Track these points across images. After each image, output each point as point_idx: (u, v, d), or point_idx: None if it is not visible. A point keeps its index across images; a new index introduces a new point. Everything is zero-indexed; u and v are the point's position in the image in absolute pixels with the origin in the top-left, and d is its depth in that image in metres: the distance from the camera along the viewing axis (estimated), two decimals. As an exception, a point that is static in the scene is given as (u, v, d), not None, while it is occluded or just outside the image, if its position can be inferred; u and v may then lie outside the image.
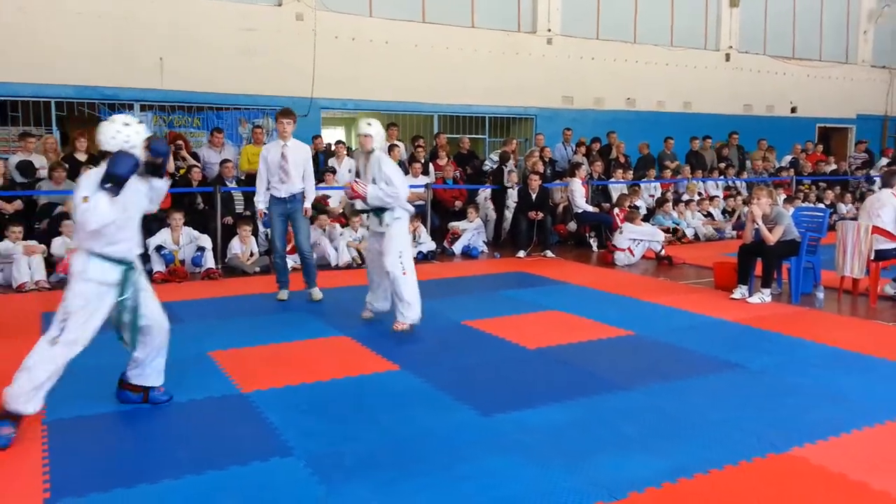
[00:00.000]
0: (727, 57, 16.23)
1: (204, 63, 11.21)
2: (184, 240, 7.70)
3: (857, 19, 18.30)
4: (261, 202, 6.48)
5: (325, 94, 12.24)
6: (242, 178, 9.53)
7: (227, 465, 3.15)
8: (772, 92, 16.76)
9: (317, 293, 6.58)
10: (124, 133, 3.49)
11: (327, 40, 12.09)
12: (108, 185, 3.36)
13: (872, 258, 6.61)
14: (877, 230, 6.61)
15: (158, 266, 7.41)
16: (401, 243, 5.43)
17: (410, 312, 5.40)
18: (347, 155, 10.53)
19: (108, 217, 3.38)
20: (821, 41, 17.74)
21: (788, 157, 14.46)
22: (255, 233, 8.36)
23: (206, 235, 7.82)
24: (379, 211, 5.48)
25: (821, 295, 6.76)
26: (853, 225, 6.80)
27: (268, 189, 6.42)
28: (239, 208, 8.82)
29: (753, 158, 14.10)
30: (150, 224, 7.92)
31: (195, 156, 9.53)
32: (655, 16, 15.31)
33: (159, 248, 7.47)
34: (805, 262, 6.72)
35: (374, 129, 5.46)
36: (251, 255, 8.03)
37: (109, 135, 3.50)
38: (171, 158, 8.91)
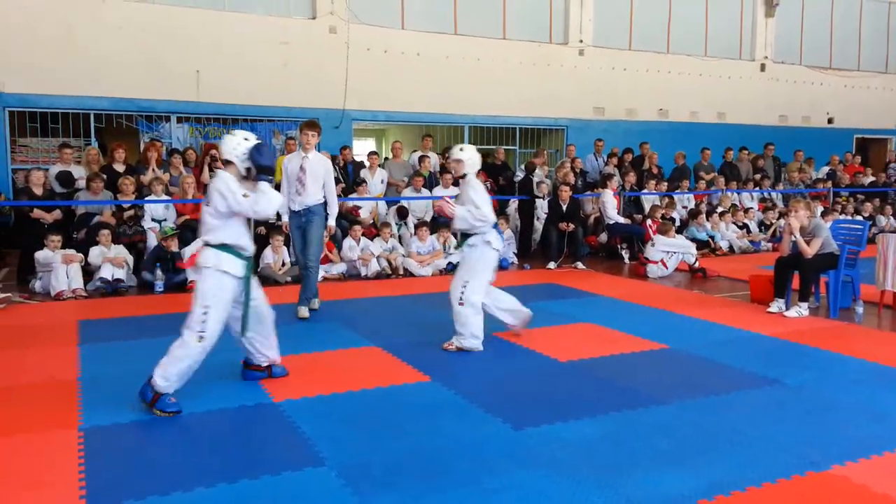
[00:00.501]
0: (762, 67, 16.02)
1: (239, 76, 11.41)
2: (218, 249, 7.78)
3: (896, 28, 17.95)
4: (284, 214, 6.40)
5: (357, 105, 12.37)
6: (276, 188, 9.63)
7: (259, 475, 3.16)
8: (808, 102, 16.50)
9: (303, 311, 6.29)
10: (243, 146, 4.11)
11: (360, 53, 12.23)
12: (266, 177, 4.10)
13: (915, 272, 6.44)
14: (919, 243, 6.44)
15: (193, 275, 7.48)
16: (470, 272, 5.28)
17: (463, 341, 5.26)
18: (379, 166, 10.59)
19: (279, 199, 4.31)
20: (859, 50, 17.43)
21: (826, 169, 14.18)
22: (287, 243, 8.44)
23: (239, 245, 7.89)
24: (465, 236, 5.42)
25: (860, 309, 6.58)
26: (895, 238, 6.63)
27: None
28: (272, 219, 8.89)
29: (790, 170, 13.85)
30: (185, 234, 8.07)
31: (229, 166, 9.65)
32: (689, 25, 15.20)
33: (194, 258, 7.56)
34: (844, 275, 6.57)
35: (466, 155, 5.40)
36: (283, 264, 8.10)
37: (231, 146, 4.13)
38: (206, 170, 9.15)
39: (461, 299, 5.22)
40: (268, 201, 4.11)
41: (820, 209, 10.82)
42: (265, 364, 4.45)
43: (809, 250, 6.37)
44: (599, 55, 14.32)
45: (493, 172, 11.58)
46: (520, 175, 11.67)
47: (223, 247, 4.04)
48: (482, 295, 5.30)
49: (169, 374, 3.86)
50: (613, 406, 4.08)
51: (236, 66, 11.40)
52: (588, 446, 3.52)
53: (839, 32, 17.09)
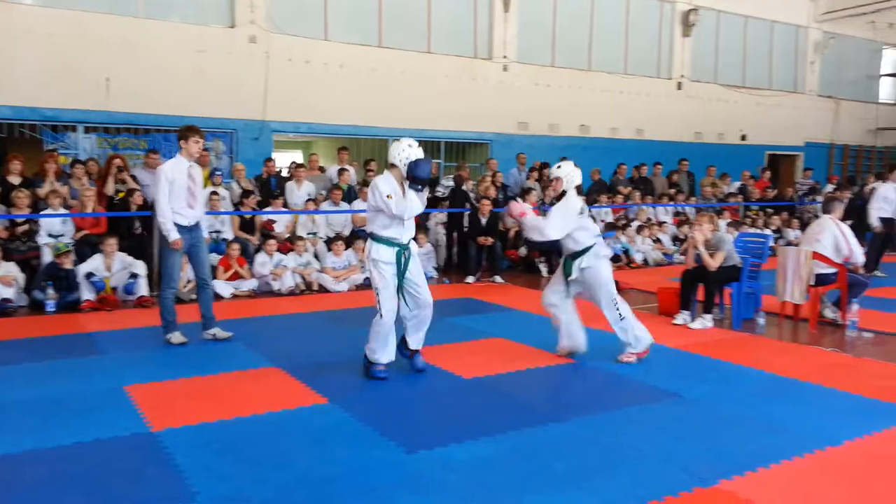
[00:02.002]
0: (679, 85, 16.52)
1: (152, 84, 10.97)
2: (116, 266, 7.41)
3: (805, 50, 18.84)
4: (173, 231, 5.61)
5: (278, 116, 12.07)
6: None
7: (123, 512, 2.93)
8: (722, 120, 17.08)
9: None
10: (407, 152, 4.77)
11: (281, 63, 11.96)
12: (419, 188, 4.82)
13: (812, 283, 6.65)
14: (816, 256, 6.66)
15: (88, 294, 7.11)
16: (606, 289, 5.29)
17: (638, 346, 5.33)
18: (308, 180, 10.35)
19: (419, 208, 4.85)
20: (770, 71, 18.20)
21: (737, 184, 14.69)
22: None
23: (140, 261, 7.55)
24: (573, 257, 5.32)
25: (762, 321, 6.77)
26: (794, 251, 6.85)
27: None
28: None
29: (703, 185, 14.29)
30: (83, 250, 7.66)
31: (134, 178, 9.24)
32: (609, 44, 15.52)
33: (89, 276, 7.17)
34: (746, 287, 6.74)
35: (564, 171, 5.32)
36: (188, 281, 7.77)
37: (396, 151, 4.80)
38: (111, 182, 8.71)
39: (621, 316, 5.26)
40: (408, 206, 4.74)
41: (725, 222, 11.14)
42: (412, 349, 5.09)
43: (713, 263, 6.51)
44: (523, 71, 14.45)
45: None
46: (440, 190, 11.61)
47: (375, 237, 4.82)
48: (623, 301, 5.39)
49: (373, 346, 4.84)
50: (511, 424, 4.01)
51: (150, 74, 10.96)
52: (481, 469, 3.43)
53: (752, 53, 17.80)
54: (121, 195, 8.65)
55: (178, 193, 5.63)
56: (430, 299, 4.98)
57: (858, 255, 6.72)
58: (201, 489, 3.14)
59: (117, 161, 8.96)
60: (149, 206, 8.53)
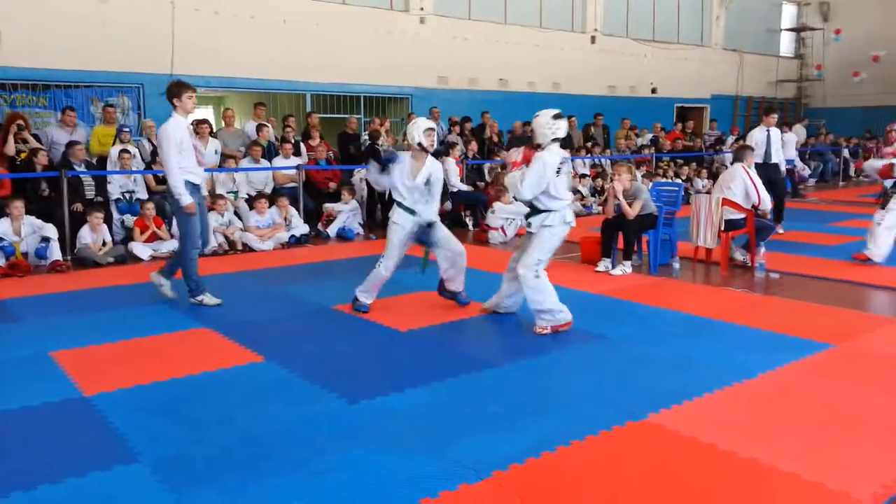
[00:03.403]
0: (592, 39, 16.79)
1: (51, 37, 10.26)
2: (26, 230, 7.01)
3: (711, 5, 19.46)
4: (185, 194, 5.40)
5: (187, 70, 11.51)
6: (94, 161, 8.83)
7: (62, 478, 2.85)
8: (634, 73, 17.54)
9: (211, 298, 5.76)
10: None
11: (187, 13, 11.40)
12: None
13: (723, 229, 7.03)
14: (726, 202, 7.02)
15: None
16: (542, 249, 4.96)
17: (553, 317, 4.92)
18: (211, 135, 9.96)
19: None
20: (678, 25, 18.73)
21: (649, 136, 15.19)
22: (107, 220, 7.77)
23: (50, 225, 7.16)
24: (533, 212, 5.03)
25: (677, 265, 7.13)
26: (706, 198, 7.20)
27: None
28: (89, 194, 8.16)
29: (617, 137, 14.70)
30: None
31: (36, 138, 8.69)
32: (525, -2, 15.57)
33: (-3, 241, 6.77)
34: (662, 234, 7.06)
35: (535, 123, 4.93)
36: (103, 244, 7.45)
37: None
38: (11, 141, 8.13)
39: (536, 275, 4.90)
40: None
41: (642, 173, 11.56)
42: (454, 290, 5.62)
43: (631, 212, 6.77)
44: (440, 24, 14.33)
45: (346, 142, 11.31)
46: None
47: (400, 205, 5.36)
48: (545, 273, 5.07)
49: (365, 289, 5.50)
50: (449, 372, 4.11)
51: (48, 27, 10.22)
52: (421, 415, 3.52)
53: (661, 7, 18.25)
54: (23, 155, 8.13)
55: (188, 152, 5.44)
56: (461, 248, 5.53)
57: (766, 201, 7.12)
58: (142, 451, 3.09)
59: (19, 121, 8.39)
60: (55, 167, 8.08)
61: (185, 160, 5.43)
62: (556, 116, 4.87)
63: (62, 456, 3.08)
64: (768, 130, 9.43)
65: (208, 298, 5.68)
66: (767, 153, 9.28)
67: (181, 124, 5.50)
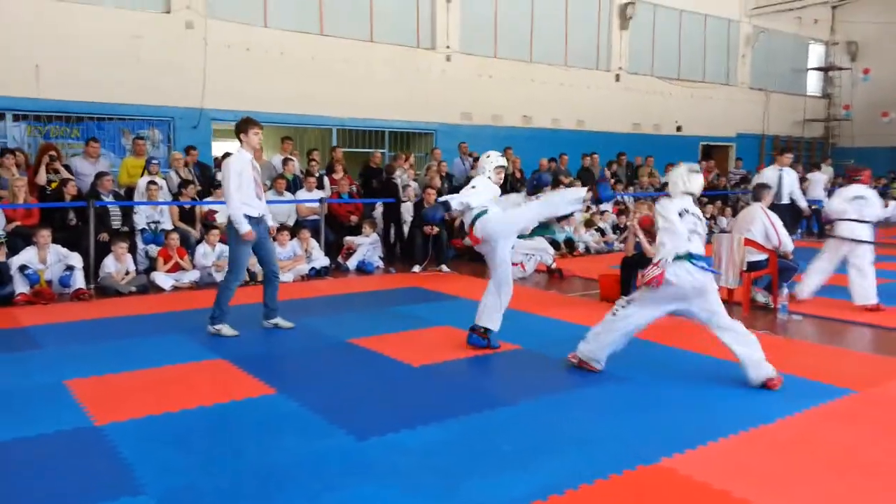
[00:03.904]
0: (617, 77, 16.88)
1: (85, 71, 10.59)
2: (51, 258, 7.16)
3: (737, 44, 19.51)
4: (244, 222, 5.62)
5: (217, 105, 11.83)
6: (122, 192, 9.03)
7: (68, 508, 2.88)
8: (659, 111, 17.56)
9: (285, 322, 6.06)
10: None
11: (219, 50, 11.71)
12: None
13: (745, 269, 6.94)
14: (748, 242, 6.94)
15: (22, 287, 6.85)
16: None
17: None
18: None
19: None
20: (704, 64, 18.77)
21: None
22: (132, 250, 7.91)
23: (75, 254, 7.30)
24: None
25: (698, 306, 7.02)
26: (727, 237, 7.12)
27: None
28: (116, 224, 8.33)
29: (640, 175, 14.68)
30: (15, 242, 7.37)
31: (68, 168, 8.93)
32: (550, 37, 15.75)
33: (23, 268, 6.90)
34: (684, 274, 6.97)
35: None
36: (126, 273, 7.57)
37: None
38: (43, 171, 8.36)
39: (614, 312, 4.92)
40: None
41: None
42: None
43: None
44: (466, 61, 14.53)
45: (370, 175, 11.46)
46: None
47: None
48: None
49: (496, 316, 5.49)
50: (461, 410, 4.08)
51: (82, 61, 10.57)
52: (431, 452, 3.49)
53: (686, 46, 18.34)
54: (53, 185, 8.35)
55: (247, 185, 5.67)
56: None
57: (788, 243, 7.04)
58: (149, 481, 3.10)
59: (51, 151, 8.63)
60: (83, 197, 8.28)
61: (244, 193, 5.65)
62: (692, 171, 4.75)
63: (68, 485, 3.10)
64: (781, 170, 9.36)
65: (226, 329, 5.75)
66: (779, 194, 9.18)
67: (245, 158, 5.74)
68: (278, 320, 6.05)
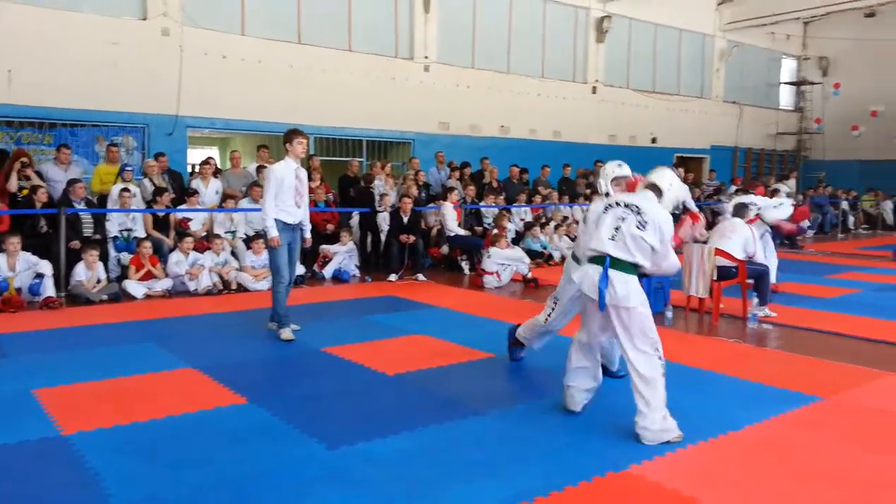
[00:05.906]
0: (594, 90, 17.07)
1: (59, 77, 10.49)
2: (20, 266, 7.05)
3: (712, 58, 19.82)
4: (273, 228, 5.87)
5: (193, 112, 11.77)
6: (94, 199, 8.93)
7: (32, 519, 2.83)
8: (634, 123, 17.77)
9: (287, 333, 5.98)
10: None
11: (196, 57, 11.65)
12: None
13: (715, 278, 7.03)
14: (719, 252, 7.03)
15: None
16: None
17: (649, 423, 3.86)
18: (214, 175, 10.09)
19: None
20: (679, 77, 19.05)
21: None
22: (103, 258, 7.82)
23: (45, 261, 7.20)
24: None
25: (670, 314, 7.10)
26: (698, 247, 7.21)
27: None
28: (87, 231, 8.23)
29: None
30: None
31: (40, 175, 8.81)
32: (528, 48, 15.89)
33: (-9, 276, 6.81)
34: (656, 282, 7.05)
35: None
36: (98, 281, 7.48)
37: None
38: (14, 178, 8.26)
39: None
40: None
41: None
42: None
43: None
44: (444, 72, 14.60)
45: (347, 185, 11.44)
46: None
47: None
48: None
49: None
50: (433, 419, 4.08)
51: (57, 67, 10.46)
52: (403, 462, 3.48)
53: (661, 60, 18.59)
54: (24, 192, 8.23)
55: (287, 192, 5.90)
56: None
57: (760, 255, 7.20)
58: (115, 492, 3.06)
59: (23, 158, 8.52)
60: (54, 204, 8.17)
61: (282, 199, 5.89)
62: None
63: (33, 496, 3.05)
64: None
65: (285, 334, 5.94)
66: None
67: (289, 167, 5.97)
68: (274, 326, 6.16)
